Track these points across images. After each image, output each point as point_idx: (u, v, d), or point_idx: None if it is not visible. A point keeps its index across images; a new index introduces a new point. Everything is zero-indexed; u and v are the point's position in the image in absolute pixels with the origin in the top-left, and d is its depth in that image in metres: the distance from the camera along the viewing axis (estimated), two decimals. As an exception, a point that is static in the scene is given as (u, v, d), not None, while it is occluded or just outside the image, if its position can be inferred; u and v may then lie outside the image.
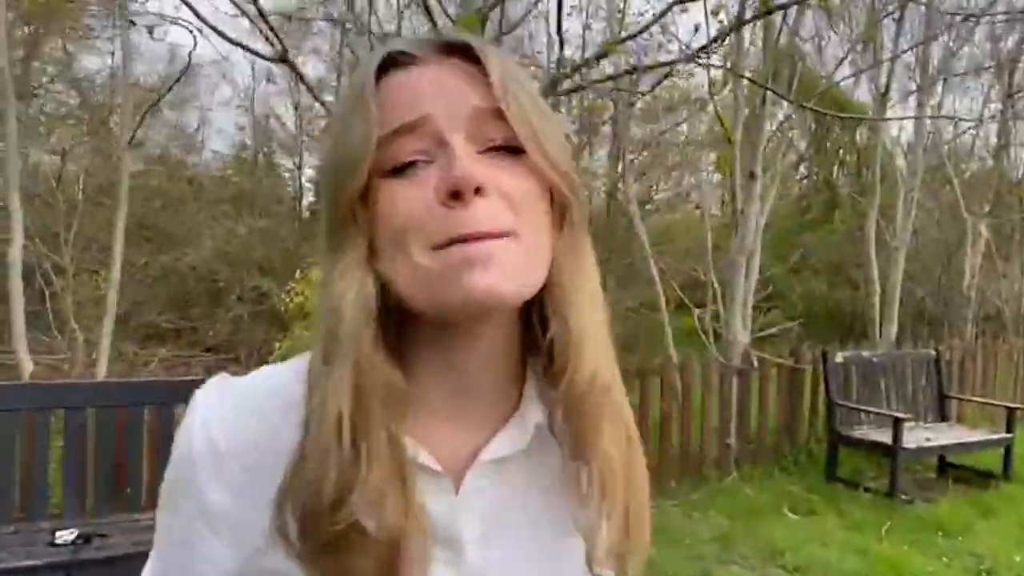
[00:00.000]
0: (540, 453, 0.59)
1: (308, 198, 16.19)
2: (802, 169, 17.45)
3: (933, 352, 5.74)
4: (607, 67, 7.06)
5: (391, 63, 0.55)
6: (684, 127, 9.38)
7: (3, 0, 3.85)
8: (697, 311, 4.12)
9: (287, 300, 4.47)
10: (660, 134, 9.31)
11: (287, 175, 16.19)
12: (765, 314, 10.55)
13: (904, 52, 7.45)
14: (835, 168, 16.30)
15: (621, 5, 6.61)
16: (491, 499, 0.57)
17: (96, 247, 7.62)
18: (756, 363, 5.48)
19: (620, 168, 6.63)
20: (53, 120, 11.31)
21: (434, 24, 4.04)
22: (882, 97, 7.31)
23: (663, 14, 3.72)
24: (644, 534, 0.60)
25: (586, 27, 9.22)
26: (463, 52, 0.54)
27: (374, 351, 0.51)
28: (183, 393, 2.98)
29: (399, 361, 0.53)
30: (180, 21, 5.05)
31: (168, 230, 11.09)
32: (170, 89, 6.20)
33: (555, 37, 3.95)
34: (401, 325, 0.54)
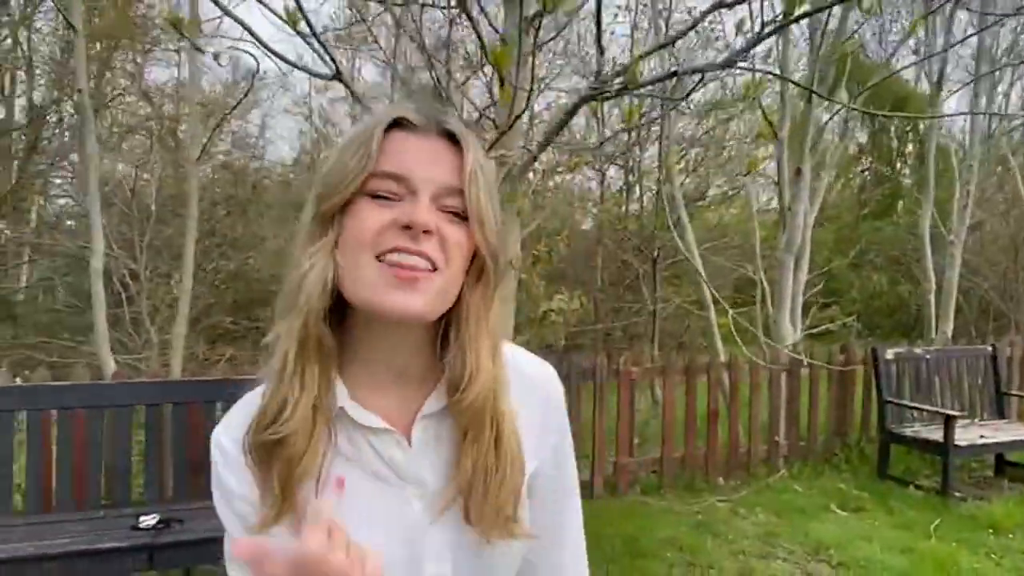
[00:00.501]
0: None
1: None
2: (864, 161, 17.04)
3: (990, 348, 5.62)
4: (654, 69, 7.13)
5: (399, 123, 0.72)
6: (735, 123, 9.32)
7: (82, 26, 4.17)
8: (732, 310, 4.16)
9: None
10: (709, 131, 9.28)
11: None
12: (823, 310, 10.41)
13: (959, 42, 7.27)
14: (897, 159, 15.86)
15: (665, 7, 6.64)
16: (434, 449, 0.76)
17: (167, 253, 8.07)
18: (805, 361, 5.48)
19: (662, 172, 6.68)
20: (125, 131, 11.95)
21: (479, 36, 4.22)
22: (936, 87, 7.15)
23: (697, 22, 3.79)
24: (500, 501, 0.76)
25: (634, 27, 9.28)
26: (452, 137, 0.71)
27: (318, 315, 0.70)
28: (251, 390, 3.24)
29: (339, 333, 0.73)
30: (242, 47, 5.33)
31: (232, 235, 11.58)
32: (235, 107, 6.55)
33: (602, 39, 4.07)
34: (346, 310, 0.73)
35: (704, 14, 3.78)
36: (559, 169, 9.32)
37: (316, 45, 3.45)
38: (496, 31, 4.24)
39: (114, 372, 3.97)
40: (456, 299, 0.73)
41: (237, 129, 14.34)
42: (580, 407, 4.74)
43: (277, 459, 0.71)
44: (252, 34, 3.18)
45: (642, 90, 4.19)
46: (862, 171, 16.67)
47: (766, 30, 3.25)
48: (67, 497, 3.28)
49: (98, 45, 11.32)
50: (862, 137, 16.56)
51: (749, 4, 4.37)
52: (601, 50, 3.97)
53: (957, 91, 8.51)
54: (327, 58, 3.32)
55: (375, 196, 0.70)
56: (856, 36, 7.63)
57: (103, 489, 3.34)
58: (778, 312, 5.65)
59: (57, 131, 12.34)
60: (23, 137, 11.58)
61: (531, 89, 2.75)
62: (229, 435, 0.77)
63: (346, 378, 0.75)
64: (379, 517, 0.75)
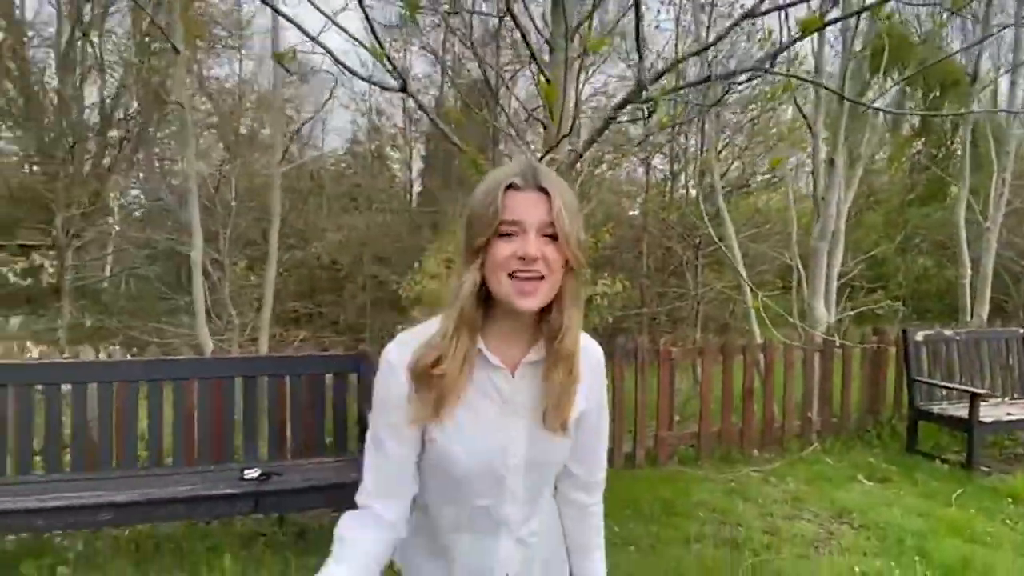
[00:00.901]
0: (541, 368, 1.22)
1: (415, 188, 17.15)
2: (916, 144, 16.84)
3: (1021, 330, 5.84)
4: (694, 64, 7.41)
5: (511, 185, 1.17)
6: (774, 113, 9.52)
7: (183, 39, 4.72)
8: (771, 295, 4.52)
9: (408, 287, 5.19)
10: (753, 120, 9.51)
11: (395, 167, 17.25)
12: (868, 294, 10.56)
13: (1003, 29, 7.37)
14: (949, 142, 15.66)
15: (705, 15, 6.93)
16: (531, 382, 1.22)
17: (241, 243, 8.76)
18: (838, 342, 5.79)
19: (695, 167, 7.00)
20: (198, 129, 12.70)
21: (527, 42, 4.64)
22: (974, 75, 7.28)
23: (729, 31, 4.14)
24: (566, 414, 1.22)
25: (677, 20, 9.54)
26: (543, 189, 1.15)
27: (471, 304, 1.15)
28: (330, 365, 3.82)
29: (483, 316, 1.18)
30: (306, 52, 5.84)
31: (296, 226, 12.29)
32: (311, 118, 7.15)
33: (642, 41, 4.45)
34: (489, 299, 1.19)
35: (734, 23, 4.13)
36: (605, 160, 9.68)
37: (387, 63, 3.93)
38: (546, 40, 4.66)
39: (211, 350, 4.55)
40: (560, 289, 1.17)
41: (294, 121, 15.04)
42: (623, 384, 5.16)
43: (435, 385, 1.15)
44: (334, 58, 3.67)
45: (679, 94, 4.56)
46: (914, 154, 16.50)
47: (791, 38, 3.59)
48: (180, 454, 3.86)
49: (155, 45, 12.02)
50: (915, 119, 16.38)
51: (779, 12, 4.68)
52: (640, 56, 4.35)
53: (1001, 74, 8.56)
54: (395, 73, 3.80)
55: (502, 235, 1.14)
56: (895, 18, 7.76)
57: (211, 449, 3.92)
58: (812, 297, 5.96)
59: (128, 129, 13.19)
60: (95, 135, 12.40)
61: (576, 114, 3.15)
62: (399, 357, 1.20)
63: (484, 335, 1.19)
64: (487, 420, 1.20)
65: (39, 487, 3.38)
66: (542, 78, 3.22)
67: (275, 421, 4.00)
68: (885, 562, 3.60)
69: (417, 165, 17.04)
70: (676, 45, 10.75)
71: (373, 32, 3.58)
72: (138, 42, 12.57)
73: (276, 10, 3.48)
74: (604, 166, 10.13)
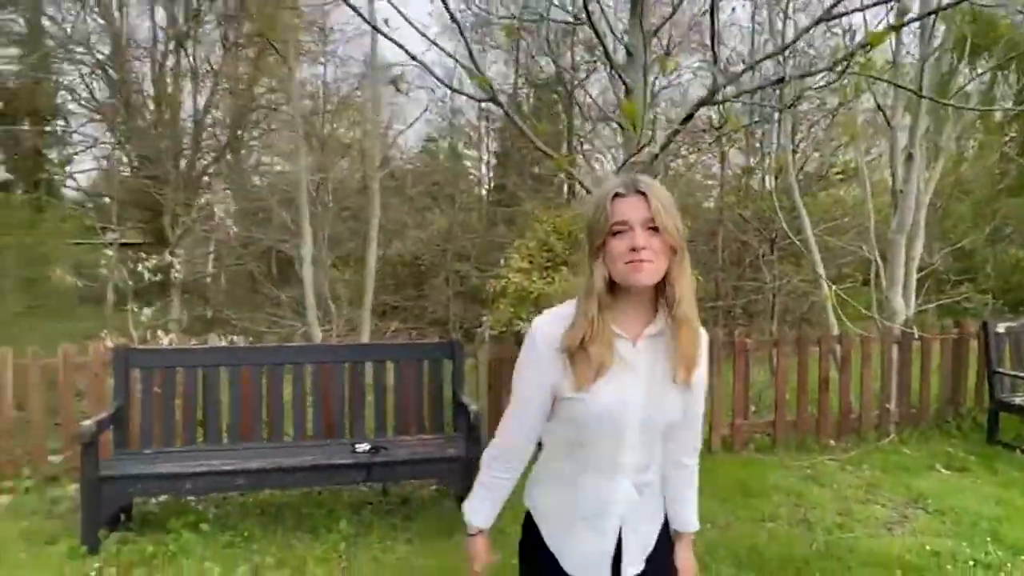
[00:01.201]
0: (662, 339, 1.52)
1: (488, 185, 17.47)
2: (1008, 130, 16.15)
3: (1109, 323, 5.75)
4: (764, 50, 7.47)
5: (616, 195, 1.48)
6: (853, 105, 9.43)
7: (295, 56, 5.19)
8: (849, 288, 4.66)
9: (495, 282, 5.55)
10: (832, 112, 9.45)
11: (468, 164, 17.64)
12: (955, 287, 10.34)
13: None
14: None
15: (781, 11, 7.01)
16: (649, 351, 1.52)
17: (331, 241, 9.33)
18: (916, 334, 5.83)
19: (771, 161, 7.08)
20: (275, 132, 13.42)
21: (605, 50, 4.91)
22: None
23: (807, 30, 4.31)
24: (693, 367, 1.52)
25: (753, 16, 9.57)
26: (642, 192, 1.46)
27: (603, 291, 1.47)
28: (427, 352, 4.24)
29: (612, 298, 1.49)
30: (426, 85, 6.25)
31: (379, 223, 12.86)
32: (410, 126, 7.58)
33: (718, 43, 4.65)
34: (614, 286, 1.50)
35: (811, 25, 4.30)
36: (680, 154, 9.81)
37: (478, 75, 4.27)
38: (625, 47, 4.92)
39: (320, 339, 5.02)
40: (667, 270, 1.47)
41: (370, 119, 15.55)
42: (699, 373, 5.37)
43: (582, 357, 1.47)
44: (432, 74, 4.04)
45: (753, 95, 4.75)
46: (1005, 142, 15.86)
47: (860, 43, 3.75)
48: (298, 430, 4.33)
49: (250, 52, 12.72)
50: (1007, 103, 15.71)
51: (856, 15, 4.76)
52: (715, 58, 4.55)
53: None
54: (488, 86, 4.14)
55: (615, 233, 1.46)
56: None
57: (324, 425, 4.37)
58: (890, 289, 6.01)
59: (216, 133, 14.06)
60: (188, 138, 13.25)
61: (654, 127, 3.41)
62: (549, 331, 1.52)
63: (613, 314, 1.50)
64: (613, 381, 1.49)
65: (184, 456, 3.90)
66: (623, 92, 3.49)
67: (379, 402, 4.42)
68: (956, 542, 3.74)
69: (490, 161, 17.42)
70: (752, 39, 10.77)
71: (470, 52, 3.94)
72: (228, 51, 13.36)
73: (382, 33, 3.88)
74: (680, 162, 10.27)
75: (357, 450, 3.99)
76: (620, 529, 1.59)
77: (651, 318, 1.53)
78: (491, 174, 17.38)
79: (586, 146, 14.70)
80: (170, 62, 13.64)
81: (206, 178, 13.22)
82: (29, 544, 3.74)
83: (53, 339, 5.47)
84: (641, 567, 1.62)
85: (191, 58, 13.68)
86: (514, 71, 15.93)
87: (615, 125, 12.81)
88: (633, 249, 1.43)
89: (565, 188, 14.05)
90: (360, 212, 12.27)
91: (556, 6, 9.81)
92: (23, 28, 14.98)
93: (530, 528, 1.67)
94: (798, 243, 6.05)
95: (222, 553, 3.64)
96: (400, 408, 4.42)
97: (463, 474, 3.83)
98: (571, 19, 6.86)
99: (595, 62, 13.05)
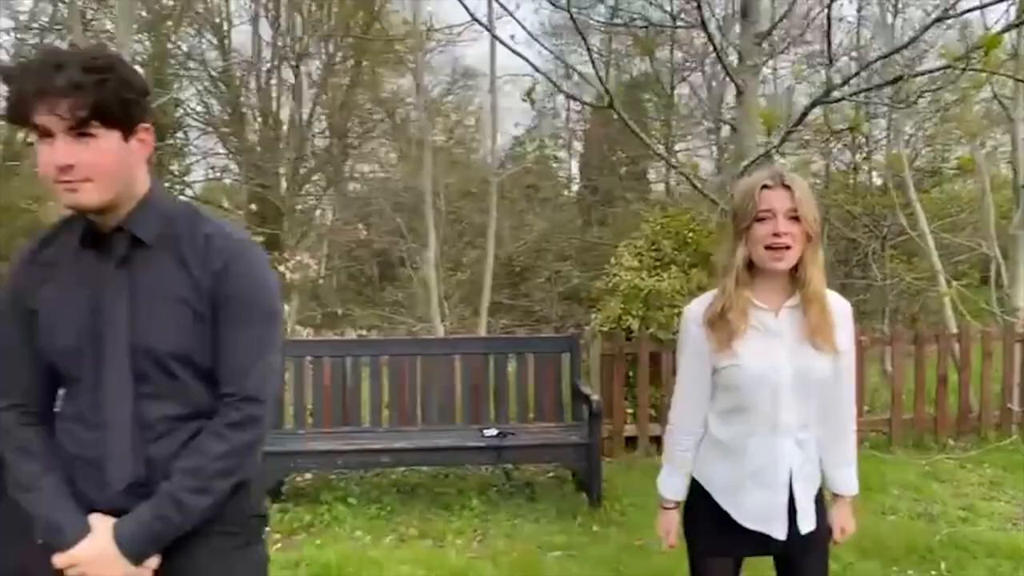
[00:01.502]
0: (799, 310, 1.75)
1: (575, 186, 17.55)
2: None
3: None
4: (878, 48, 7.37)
5: (764, 186, 1.71)
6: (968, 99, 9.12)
7: (420, 71, 5.58)
8: (968, 285, 4.63)
9: (607, 280, 5.77)
10: (946, 107, 9.17)
11: (555, 165, 17.80)
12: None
13: None
14: None
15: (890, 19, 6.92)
16: (790, 320, 1.75)
17: (440, 242, 9.81)
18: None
19: (884, 156, 6.98)
20: (379, 139, 14.00)
21: (718, 54, 5.06)
22: None
23: (924, 30, 4.34)
24: (828, 337, 1.73)
25: (860, 10, 9.41)
26: (787, 186, 1.69)
27: (742, 268, 1.72)
28: (547, 346, 4.56)
29: (751, 276, 1.74)
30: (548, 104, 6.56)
31: (475, 222, 13.24)
32: (524, 135, 7.91)
33: (831, 53, 4.74)
34: (753, 266, 1.74)
35: (929, 24, 4.33)
36: (784, 152, 9.71)
37: (602, 87, 4.51)
38: (739, 56, 5.05)
39: (444, 332, 5.39)
40: (801, 254, 1.69)
41: (460, 121, 15.92)
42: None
43: (724, 328, 1.71)
44: (556, 86, 4.32)
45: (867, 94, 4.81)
46: None
47: (976, 43, 3.77)
48: (431, 415, 4.69)
49: (348, 62, 13.30)
50: None
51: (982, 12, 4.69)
52: (831, 60, 4.64)
53: None
54: (608, 94, 4.38)
55: (759, 220, 1.69)
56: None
57: (451, 411, 4.71)
58: (1012, 287, 5.86)
59: (320, 142, 14.81)
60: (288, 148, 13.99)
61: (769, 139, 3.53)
62: (696, 310, 1.79)
63: (753, 290, 1.74)
64: (760, 348, 1.72)
65: (332, 436, 4.33)
66: (731, 94, 3.67)
67: (502, 391, 4.72)
68: (1088, 539, 3.70)
69: (579, 162, 17.53)
70: (857, 34, 10.56)
71: (593, 65, 4.19)
72: (327, 64, 14.03)
73: (508, 47, 4.18)
74: (788, 159, 10.16)
75: (485, 434, 4.30)
76: (790, 484, 1.77)
77: (791, 292, 1.74)
78: (579, 175, 17.51)
79: (678, 145, 14.67)
80: (276, 78, 14.44)
81: (312, 186, 13.99)
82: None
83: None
84: (814, 523, 1.80)
85: (298, 73, 14.45)
86: (605, 70, 16.02)
87: (711, 124, 12.78)
88: (775, 235, 1.66)
89: (664, 187, 14.09)
90: (462, 214, 12.74)
91: (654, 5, 9.92)
92: (148, 49, 16.25)
93: (698, 496, 1.86)
94: (916, 239, 5.98)
95: (369, 524, 4.03)
96: (521, 397, 4.71)
97: (587, 459, 4.08)
98: (681, 22, 7.03)
99: (691, 63, 13.05)
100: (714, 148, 13.19)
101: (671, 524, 1.91)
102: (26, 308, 1.40)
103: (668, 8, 9.49)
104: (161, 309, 1.36)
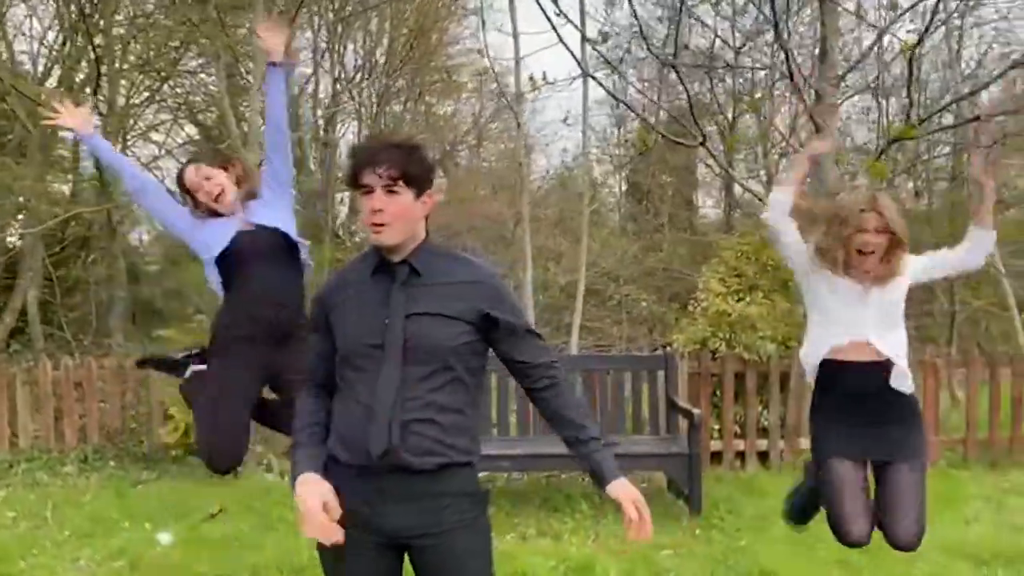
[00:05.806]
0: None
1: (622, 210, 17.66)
2: None
3: None
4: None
5: (862, 209, 2.37)
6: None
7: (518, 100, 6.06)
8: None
9: (694, 304, 6.17)
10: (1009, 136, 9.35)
11: (605, 191, 18.00)
12: None
13: None
14: None
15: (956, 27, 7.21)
16: (869, 288, 2.45)
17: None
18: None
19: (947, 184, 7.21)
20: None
21: (802, 96, 5.45)
22: None
23: (1001, 75, 4.69)
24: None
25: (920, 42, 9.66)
26: (878, 209, 2.33)
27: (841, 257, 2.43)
28: (643, 364, 5.04)
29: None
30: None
31: (547, 245, 13.57)
32: (576, 162, 8.22)
33: (914, 86, 5.10)
34: None
35: (1004, 71, 4.68)
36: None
37: (694, 127, 4.92)
38: (815, 92, 5.45)
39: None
40: (886, 250, 2.36)
41: (504, 147, 16.26)
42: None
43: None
44: (638, 115, 4.76)
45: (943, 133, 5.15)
46: None
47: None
48: (536, 427, 5.13)
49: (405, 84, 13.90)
50: None
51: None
52: (911, 102, 4.99)
53: None
54: (698, 130, 4.80)
55: (860, 231, 2.34)
56: None
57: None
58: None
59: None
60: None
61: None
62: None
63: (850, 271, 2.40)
64: (849, 300, 2.40)
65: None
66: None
67: (603, 403, 5.14)
68: None
69: (624, 188, 17.69)
70: (920, 64, 10.80)
71: (691, 107, 4.61)
72: (380, 92, 14.58)
73: (595, 79, 4.65)
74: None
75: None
76: None
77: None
78: (625, 200, 17.61)
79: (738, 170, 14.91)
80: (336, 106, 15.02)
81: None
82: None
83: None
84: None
85: (355, 101, 14.93)
86: (657, 97, 16.21)
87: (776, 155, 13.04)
88: (866, 243, 2.37)
89: (722, 211, 14.35)
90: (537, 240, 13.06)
91: (723, 41, 10.33)
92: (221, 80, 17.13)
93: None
94: (996, 255, 6.24)
95: (493, 523, 4.46)
96: (618, 411, 5.12)
97: (688, 468, 4.47)
98: (760, 65, 7.46)
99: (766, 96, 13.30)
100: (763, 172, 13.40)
101: None
102: (327, 319, 1.89)
103: (731, 43, 9.87)
104: (430, 320, 1.81)
